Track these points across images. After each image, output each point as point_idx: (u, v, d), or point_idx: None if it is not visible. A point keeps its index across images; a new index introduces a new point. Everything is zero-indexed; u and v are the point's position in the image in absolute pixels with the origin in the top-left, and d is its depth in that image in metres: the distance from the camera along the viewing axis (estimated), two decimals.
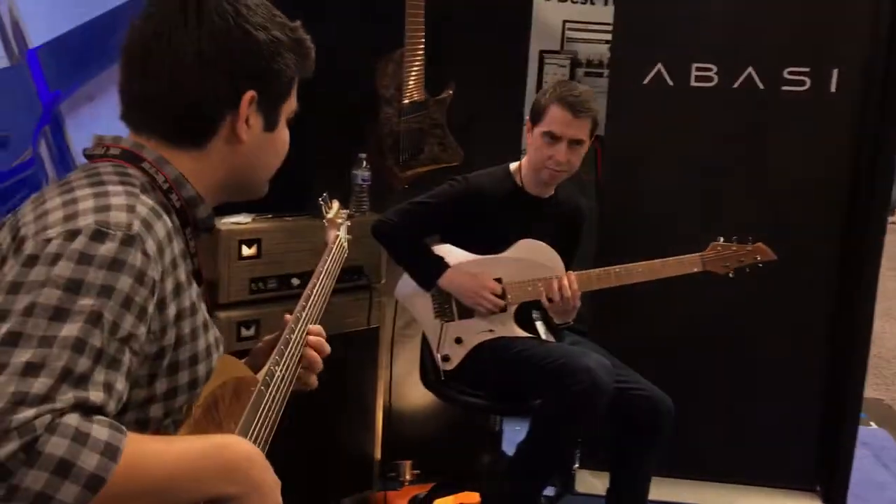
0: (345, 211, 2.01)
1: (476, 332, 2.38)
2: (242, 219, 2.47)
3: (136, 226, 0.95)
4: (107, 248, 0.90)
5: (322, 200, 1.99)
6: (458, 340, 2.39)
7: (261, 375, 1.21)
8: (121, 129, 1.12)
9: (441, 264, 2.38)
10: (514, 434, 2.35)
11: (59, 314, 0.86)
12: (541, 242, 2.39)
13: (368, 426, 2.77)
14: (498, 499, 2.42)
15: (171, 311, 1.00)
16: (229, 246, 2.37)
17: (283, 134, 1.18)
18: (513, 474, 2.31)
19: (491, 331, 2.37)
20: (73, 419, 0.81)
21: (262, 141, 1.14)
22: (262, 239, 2.44)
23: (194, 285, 1.09)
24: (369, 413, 2.76)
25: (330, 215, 1.95)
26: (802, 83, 2.78)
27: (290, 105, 1.17)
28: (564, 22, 3.19)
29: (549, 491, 2.95)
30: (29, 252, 0.90)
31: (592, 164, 3.46)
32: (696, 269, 2.34)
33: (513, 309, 2.38)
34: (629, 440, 2.36)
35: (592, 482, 2.98)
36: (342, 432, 2.65)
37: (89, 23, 2.08)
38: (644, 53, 2.84)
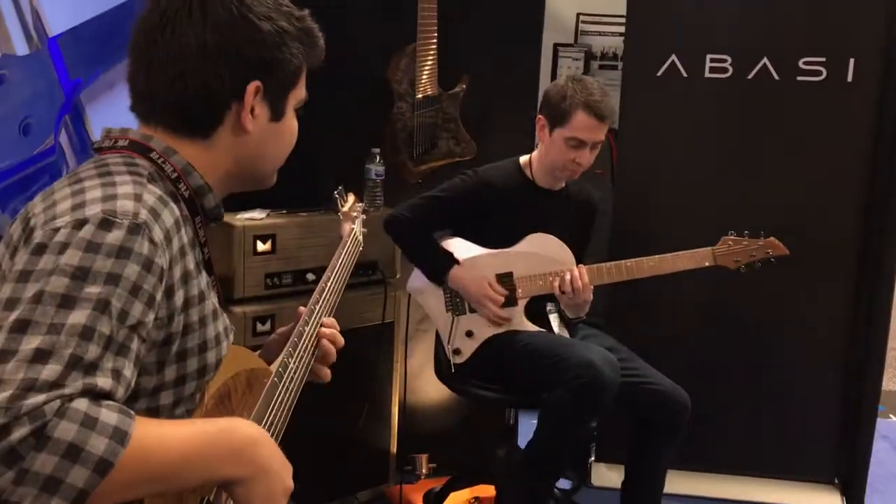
0: (360, 204, 2.02)
1: (487, 325, 2.39)
2: (257, 214, 2.49)
3: (143, 214, 0.96)
4: (114, 237, 0.92)
5: (337, 194, 2.00)
6: (469, 334, 2.40)
7: (274, 367, 1.22)
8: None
9: (449, 260, 2.39)
10: (529, 427, 2.35)
11: (67, 302, 0.87)
12: (552, 236, 2.39)
13: (384, 420, 2.78)
14: (512, 492, 2.43)
15: (179, 298, 1.01)
16: (244, 241, 2.39)
17: (291, 123, 1.18)
18: (525, 468, 2.31)
19: (501, 324, 2.38)
20: (82, 404, 0.83)
21: (268, 131, 1.14)
22: (277, 234, 2.46)
23: (204, 274, 1.10)
24: (385, 407, 2.77)
25: (345, 209, 1.95)
26: (818, 73, 2.76)
27: (298, 95, 1.17)
28: (578, 14, 3.18)
29: (566, 484, 2.96)
30: (38, 241, 0.91)
31: (607, 157, 3.45)
32: (707, 264, 2.32)
33: (524, 303, 2.39)
34: (644, 434, 2.36)
35: (608, 475, 2.98)
36: (358, 427, 2.66)
37: (109, 11, 2.11)
38: (658, 45, 2.82)
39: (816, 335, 2.91)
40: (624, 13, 2.90)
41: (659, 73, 2.83)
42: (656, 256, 2.32)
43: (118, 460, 0.82)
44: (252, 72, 1.09)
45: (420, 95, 2.77)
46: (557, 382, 2.14)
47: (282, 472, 1.02)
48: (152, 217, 0.97)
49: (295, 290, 2.48)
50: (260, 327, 2.41)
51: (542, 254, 2.37)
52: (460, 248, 2.43)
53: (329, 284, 1.48)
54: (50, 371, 0.83)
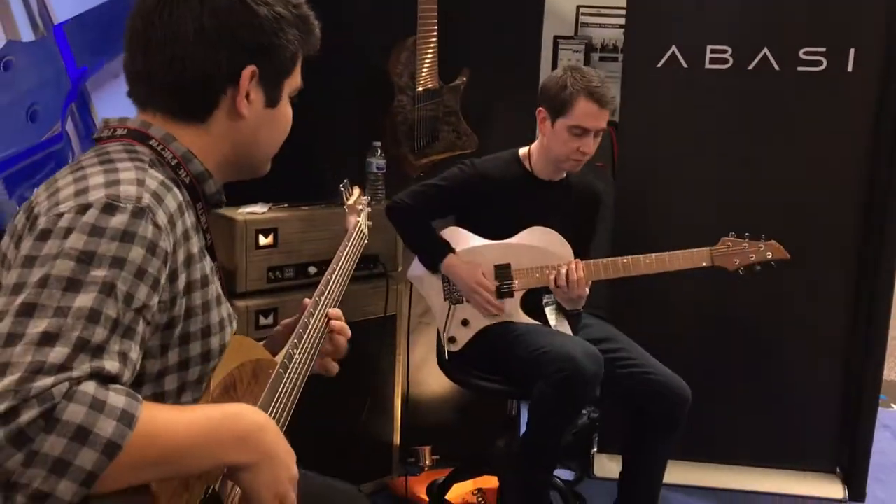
0: (365, 198, 2.02)
1: (482, 315, 2.41)
2: (259, 208, 2.49)
3: (147, 198, 0.97)
4: (118, 220, 0.92)
5: (343, 187, 2.00)
6: (465, 323, 2.41)
7: (279, 358, 1.23)
8: None
9: (445, 249, 2.40)
10: None
11: (73, 285, 0.88)
12: (550, 229, 2.39)
13: (387, 413, 2.79)
14: (512, 483, 2.44)
15: (182, 281, 1.01)
16: (246, 235, 2.40)
17: (286, 111, 1.19)
18: (520, 460, 2.32)
19: (497, 315, 2.39)
20: (90, 387, 0.84)
21: (263, 117, 1.15)
22: (279, 228, 2.46)
23: (207, 259, 1.10)
24: (388, 400, 2.79)
25: (350, 201, 1.96)
26: (819, 63, 2.76)
27: (294, 82, 1.18)
28: (578, 7, 3.18)
29: (568, 475, 2.97)
30: (42, 227, 0.92)
31: (608, 150, 3.45)
32: (704, 264, 2.30)
33: (520, 295, 2.40)
34: (642, 426, 2.36)
35: (610, 466, 2.99)
36: (361, 419, 2.67)
37: (114, 0, 2.11)
38: (658, 37, 2.82)
39: (818, 325, 2.92)
40: (624, 5, 2.90)
41: (659, 65, 2.83)
42: (653, 255, 2.31)
43: (126, 443, 0.83)
44: (248, 56, 1.09)
45: (421, 88, 2.78)
46: (540, 375, 2.16)
47: (287, 459, 1.03)
48: (155, 201, 0.98)
49: (297, 284, 2.49)
50: (262, 321, 2.41)
51: (540, 247, 2.38)
52: (460, 237, 2.44)
53: (334, 277, 1.49)
54: (57, 354, 0.84)
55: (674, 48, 2.81)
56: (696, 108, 2.85)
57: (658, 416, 2.30)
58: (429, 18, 2.70)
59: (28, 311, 0.86)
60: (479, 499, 2.74)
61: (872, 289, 2.86)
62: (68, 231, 0.91)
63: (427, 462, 2.89)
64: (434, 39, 2.74)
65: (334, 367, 1.40)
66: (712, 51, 2.81)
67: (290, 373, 1.22)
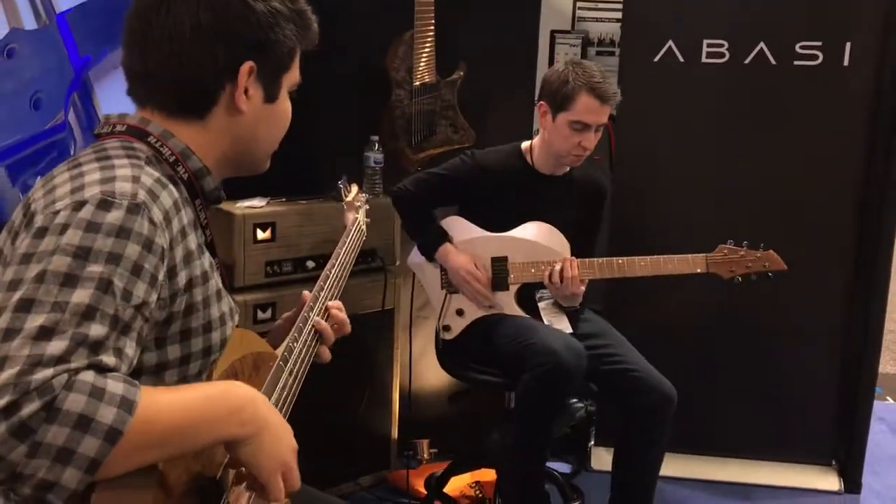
0: (363, 195, 2.03)
1: (477, 306, 2.42)
2: (257, 202, 2.49)
3: (142, 195, 0.97)
4: (113, 217, 0.93)
5: (341, 184, 2.01)
6: (460, 312, 2.44)
7: (280, 351, 1.24)
8: None
9: (441, 237, 2.42)
10: None
11: (70, 280, 0.88)
12: (550, 225, 2.40)
13: (385, 406, 2.80)
14: (507, 475, 2.46)
15: (182, 278, 1.02)
16: (244, 230, 2.40)
17: (285, 106, 1.19)
18: (513, 452, 2.34)
19: (491, 307, 2.41)
20: (88, 376, 0.85)
21: (262, 112, 1.15)
22: (277, 222, 2.47)
23: (207, 255, 1.11)
24: (386, 393, 2.79)
25: (349, 198, 1.97)
26: (815, 57, 2.77)
27: (292, 77, 1.18)
28: (575, 1, 3.18)
29: (566, 468, 2.98)
30: (39, 225, 0.93)
31: (605, 143, 3.46)
32: (699, 270, 2.29)
33: (515, 288, 2.41)
34: (631, 422, 2.34)
35: (608, 459, 2.97)
36: (359, 413, 2.68)
37: None
38: (655, 31, 2.83)
39: (814, 319, 2.93)
40: None
41: (656, 59, 2.83)
42: (649, 258, 2.31)
43: (127, 428, 0.84)
44: (246, 52, 1.09)
45: (418, 83, 2.78)
46: (523, 368, 2.18)
47: (283, 430, 1.04)
48: (150, 198, 0.98)
49: (295, 278, 2.49)
50: (261, 315, 2.42)
51: (538, 242, 2.39)
52: (461, 227, 2.46)
53: (333, 272, 1.50)
54: (55, 346, 0.85)
55: (670, 42, 2.82)
56: (693, 102, 2.86)
57: (642, 414, 2.29)
58: (426, 13, 2.70)
59: (25, 306, 0.86)
60: (477, 492, 2.76)
61: (868, 282, 2.87)
62: (64, 227, 0.91)
63: (425, 455, 2.89)
64: (431, 34, 2.74)
65: (327, 354, 1.40)
66: (709, 45, 2.81)
67: (290, 366, 1.23)
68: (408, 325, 2.85)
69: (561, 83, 2.29)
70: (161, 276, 0.97)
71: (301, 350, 1.28)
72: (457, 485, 2.74)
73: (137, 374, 0.99)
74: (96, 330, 0.88)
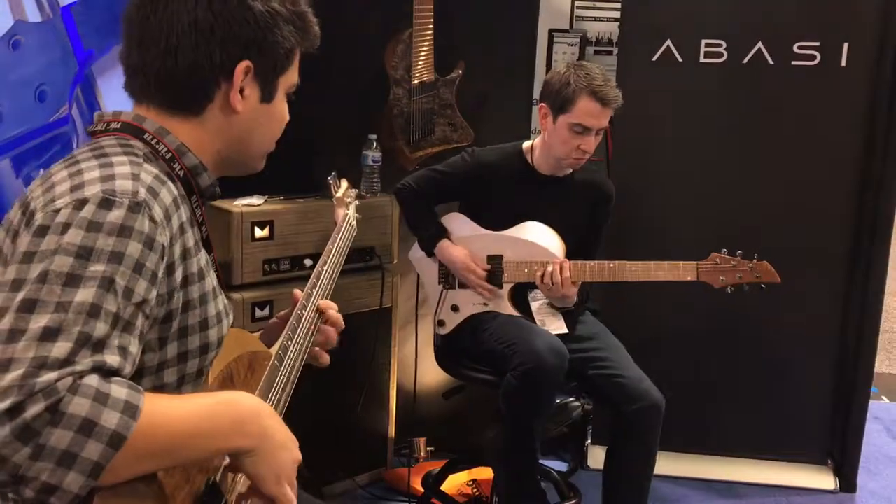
0: (353, 190, 2.03)
1: (472, 303, 2.45)
2: (255, 201, 2.50)
3: (142, 193, 0.97)
4: (115, 215, 0.93)
5: (330, 179, 2.01)
6: (455, 308, 2.46)
7: (274, 350, 1.24)
8: None
9: (441, 233, 2.44)
10: None
11: (73, 280, 0.88)
12: (546, 226, 2.41)
13: (382, 404, 2.80)
14: (500, 473, 2.47)
15: (179, 275, 1.02)
16: (242, 228, 2.40)
17: (282, 107, 1.19)
18: (505, 450, 2.34)
19: (485, 304, 2.43)
20: (93, 380, 0.85)
21: (258, 112, 1.15)
22: (275, 220, 2.47)
23: (203, 252, 1.11)
24: (383, 391, 2.80)
25: (338, 194, 1.97)
26: (812, 58, 2.77)
27: (290, 78, 1.18)
28: (573, 0, 3.18)
29: (563, 467, 2.99)
30: (39, 223, 0.93)
31: (603, 143, 3.46)
32: (689, 278, 2.28)
33: (508, 287, 2.42)
34: (619, 426, 2.34)
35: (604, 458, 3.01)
36: (356, 411, 2.69)
37: None
38: (653, 30, 2.83)
39: (810, 318, 2.93)
40: None
41: (654, 59, 2.84)
42: (640, 263, 2.30)
43: (131, 433, 0.84)
44: (242, 51, 1.09)
45: (416, 81, 2.78)
46: (506, 367, 2.20)
47: (288, 443, 1.04)
48: (151, 195, 0.98)
49: (293, 276, 2.50)
50: (259, 313, 2.42)
51: (533, 242, 2.39)
52: (460, 224, 2.48)
53: (325, 269, 1.50)
54: (60, 349, 0.85)
55: (669, 42, 2.82)
56: (691, 101, 2.86)
57: (629, 421, 2.28)
58: (425, 11, 2.70)
59: (29, 307, 0.86)
60: (474, 490, 2.76)
61: (864, 282, 2.88)
62: (66, 226, 0.91)
63: (422, 454, 2.90)
64: (430, 32, 2.74)
65: (326, 359, 1.41)
66: (707, 45, 2.82)
67: (285, 364, 1.23)
68: (405, 323, 2.85)
69: (562, 85, 2.29)
70: (161, 274, 0.98)
71: (295, 348, 1.28)
72: (454, 483, 2.75)
73: (139, 374, 1.00)
74: (100, 329, 0.88)
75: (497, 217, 2.42)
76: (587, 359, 2.31)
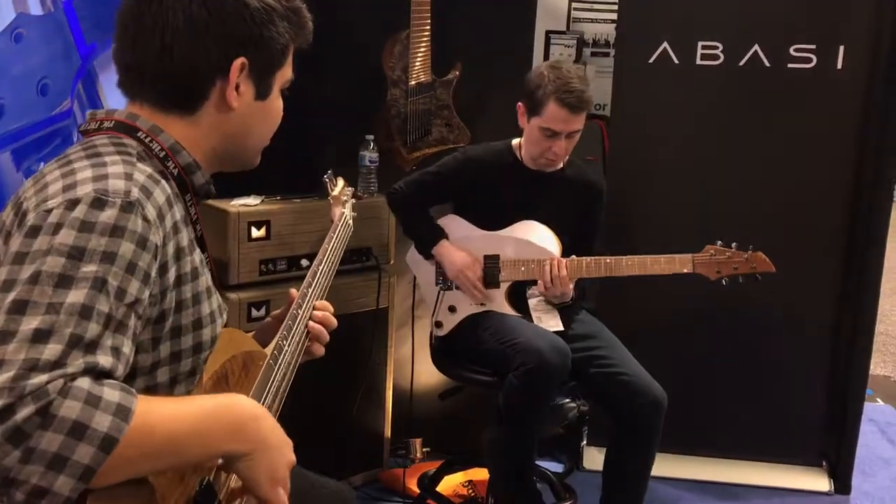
0: (349, 188, 2.03)
1: (469, 303, 2.45)
2: (252, 201, 2.50)
3: (135, 192, 0.96)
4: (107, 215, 0.92)
5: (327, 178, 2.01)
6: (452, 309, 2.46)
7: (269, 350, 1.24)
8: None
9: (438, 235, 2.45)
10: None
11: (64, 281, 0.88)
12: (541, 224, 2.42)
13: (378, 405, 2.81)
14: (496, 474, 2.47)
15: (172, 274, 1.02)
16: (239, 228, 2.40)
17: (277, 103, 1.19)
18: (503, 451, 2.35)
19: (482, 304, 2.43)
20: (84, 382, 0.84)
21: (253, 109, 1.14)
22: (271, 221, 2.47)
23: (197, 251, 1.10)
24: (380, 392, 2.80)
25: (335, 193, 1.97)
26: (808, 60, 2.78)
27: (285, 74, 1.17)
28: (570, 1, 3.18)
29: (558, 467, 2.99)
30: (31, 224, 0.92)
31: (599, 144, 3.46)
32: (685, 270, 2.29)
33: (506, 286, 2.42)
34: (620, 425, 2.35)
35: (600, 459, 2.98)
36: (352, 411, 2.69)
37: None
38: (650, 32, 2.84)
39: (805, 320, 2.94)
40: (616, 0, 2.91)
41: (651, 61, 2.84)
42: (636, 257, 2.32)
43: (122, 436, 0.83)
44: (238, 48, 1.09)
45: (413, 82, 2.78)
46: (508, 367, 2.20)
47: (283, 446, 1.04)
48: (144, 195, 0.98)
49: (289, 276, 2.50)
50: (255, 313, 2.42)
51: (529, 240, 2.41)
52: (455, 225, 2.49)
53: (321, 268, 1.50)
54: (51, 350, 0.84)
55: (665, 44, 2.83)
56: (687, 103, 2.87)
57: (632, 418, 2.29)
58: (422, 12, 2.71)
59: (20, 308, 0.86)
60: (470, 490, 2.76)
61: (859, 284, 2.88)
62: (58, 227, 0.91)
63: (418, 454, 2.90)
64: (427, 33, 2.75)
65: (320, 350, 1.40)
66: (703, 47, 2.82)
67: (280, 364, 1.23)
68: (402, 324, 2.85)
69: (535, 87, 2.31)
70: (153, 273, 0.97)
71: (290, 348, 1.28)
72: (450, 484, 2.75)
73: (132, 375, 0.99)
74: (92, 330, 0.87)
75: (490, 213, 2.44)
76: (588, 357, 2.31)
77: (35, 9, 1.93)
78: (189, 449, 0.92)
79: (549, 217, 2.42)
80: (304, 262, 2.52)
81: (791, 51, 2.78)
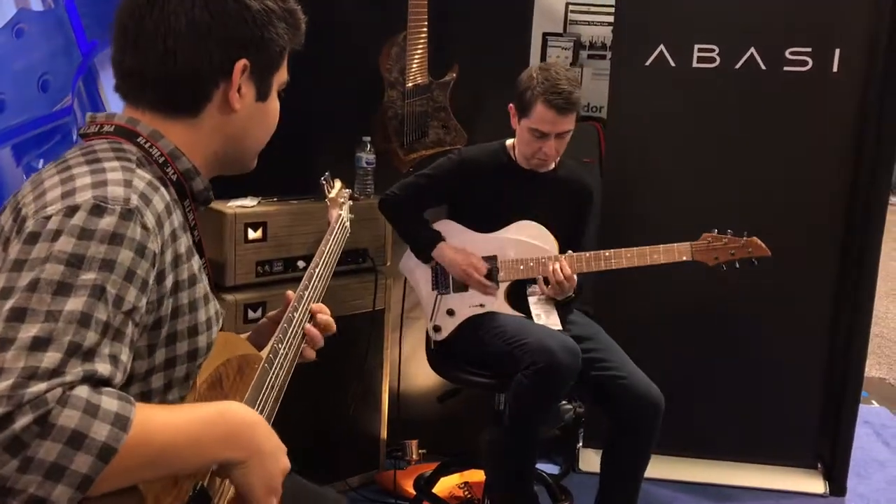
0: (347, 190, 2.03)
1: (468, 305, 2.45)
2: (248, 202, 2.50)
3: (135, 199, 0.96)
4: (106, 223, 0.92)
5: (324, 180, 2.00)
6: (451, 312, 2.46)
7: (265, 353, 1.24)
8: None
9: (436, 237, 2.45)
10: None
11: (63, 289, 0.87)
12: (537, 224, 2.42)
13: (375, 407, 2.81)
14: (496, 475, 2.47)
15: (169, 282, 1.01)
16: (235, 229, 2.40)
17: (274, 105, 1.19)
18: (504, 452, 2.35)
19: (482, 305, 2.43)
20: (83, 391, 0.84)
21: (254, 111, 1.15)
22: (268, 222, 2.47)
23: (195, 257, 1.10)
24: (376, 394, 2.80)
25: (332, 194, 1.97)
26: (804, 63, 2.79)
27: (282, 76, 1.18)
28: (567, 4, 3.19)
29: (554, 469, 2.99)
30: (30, 230, 0.92)
31: (595, 146, 3.47)
32: (684, 258, 2.32)
33: (504, 286, 2.43)
34: (618, 428, 2.36)
35: (596, 460, 2.98)
36: (349, 413, 2.69)
37: None
38: (646, 35, 2.84)
39: (800, 322, 2.95)
40: (613, 3, 2.92)
41: (647, 63, 2.85)
42: (635, 248, 2.33)
43: (121, 446, 0.83)
44: (240, 50, 1.09)
45: (410, 84, 2.79)
46: (517, 367, 2.19)
47: (277, 453, 1.04)
48: (143, 202, 0.97)
49: (286, 278, 2.50)
50: (251, 314, 2.42)
51: (526, 240, 2.42)
52: (451, 230, 2.49)
53: (318, 270, 1.50)
54: (50, 359, 0.84)
55: (662, 46, 2.84)
56: (684, 106, 2.87)
57: (631, 421, 2.30)
58: (419, 14, 2.71)
59: (19, 315, 0.85)
60: (466, 492, 2.77)
61: (854, 286, 2.89)
62: (57, 234, 0.90)
63: (414, 456, 2.91)
64: (424, 35, 2.75)
65: (311, 354, 1.40)
66: (700, 50, 2.83)
67: (275, 367, 1.23)
68: (398, 325, 2.85)
69: (524, 89, 2.32)
70: (151, 281, 0.97)
71: (286, 351, 1.28)
72: (446, 485, 2.75)
73: (128, 381, 0.99)
74: (90, 338, 0.87)
75: (485, 213, 2.44)
76: (587, 360, 2.31)
77: (36, 4, 1.93)
78: (185, 457, 0.92)
79: (542, 216, 2.43)
80: (301, 264, 2.52)
81: (787, 54, 2.79)
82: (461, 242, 2.46)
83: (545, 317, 2.42)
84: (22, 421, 0.80)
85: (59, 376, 0.83)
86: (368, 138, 2.71)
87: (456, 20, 2.83)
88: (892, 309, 5.73)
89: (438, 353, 2.52)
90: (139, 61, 1.07)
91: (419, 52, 2.77)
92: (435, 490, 2.69)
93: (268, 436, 1.03)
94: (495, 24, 2.87)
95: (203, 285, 1.11)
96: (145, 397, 1.03)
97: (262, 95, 1.15)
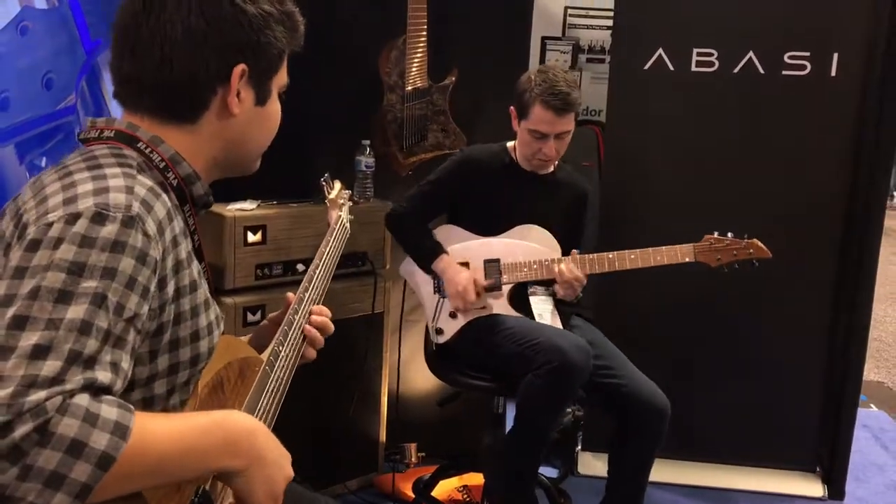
0: (346, 191, 2.02)
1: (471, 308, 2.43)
2: (248, 205, 2.50)
3: (136, 207, 0.96)
4: (108, 231, 0.92)
5: (324, 181, 2.00)
6: (453, 315, 2.45)
7: (265, 355, 1.24)
8: None
9: (437, 250, 2.44)
10: None
11: (64, 297, 0.87)
12: (538, 227, 2.43)
13: (374, 410, 2.81)
14: (497, 479, 2.46)
15: (171, 288, 1.01)
16: (235, 232, 2.40)
17: (275, 108, 1.19)
18: (507, 454, 2.34)
19: (484, 307, 2.43)
20: (83, 400, 0.84)
21: (253, 115, 1.14)
22: (268, 225, 2.47)
23: (195, 262, 1.10)
24: (375, 397, 2.80)
25: (332, 196, 1.96)
26: (803, 67, 2.79)
27: (281, 79, 1.18)
28: (566, 8, 3.20)
29: (553, 473, 2.99)
30: (32, 237, 0.91)
31: (594, 150, 3.48)
32: (687, 259, 2.34)
33: (507, 289, 2.43)
34: (623, 433, 2.36)
35: (594, 464, 3.02)
36: (347, 416, 2.69)
37: None
38: (645, 39, 2.85)
39: (799, 325, 2.95)
40: (611, 7, 2.93)
41: (646, 67, 2.85)
42: (638, 250, 2.34)
43: (120, 454, 0.83)
44: (238, 55, 1.09)
45: (410, 87, 2.79)
46: (528, 367, 2.18)
47: (280, 460, 1.04)
48: (145, 209, 0.97)
49: (285, 281, 2.50)
50: (251, 317, 2.42)
51: (528, 244, 2.42)
52: (452, 235, 2.49)
53: (318, 272, 1.50)
54: (50, 367, 0.84)
55: (660, 50, 2.84)
56: (683, 110, 2.88)
57: (635, 427, 2.31)
58: (418, 18, 2.71)
59: (19, 323, 0.85)
60: (465, 495, 2.76)
61: (853, 290, 2.90)
62: (58, 241, 0.90)
63: (413, 459, 2.90)
64: (423, 39, 2.75)
65: (312, 353, 1.40)
66: (698, 53, 2.84)
67: (276, 370, 1.23)
68: (397, 328, 2.85)
69: (523, 91, 2.34)
70: (152, 288, 0.97)
71: (287, 353, 1.28)
72: (445, 489, 2.75)
73: (130, 387, 0.99)
74: (91, 346, 0.87)
75: (486, 214, 2.45)
76: (593, 366, 2.31)
77: (40, 2, 1.93)
78: (185, 465, 0.92)
79: (541, 218, 2.44)
80: (300, 267, 2.52)
81: (785, 58, 2.79)
82: (463, 247, 2.46)
83: (546, 316, 2.42)
84: (22, 429, 0.80)
85: (59, 384, 0.83)
86: (368, 142, 2.71)
87: (455, 24, 2.84)
88: (891, 313, 5.74)
89: (439, 356, 2.51)
90: (136, 68, 1.07)
91: (418, 55, 2.77)
92: (434, 493, 2.68)
93: (269, 443, 1.03)
94: (494, 27, 2.88)
95: (203, 290, 1.11)
96: (148, 403, 1.03)
97: (261, 99, 1.14)
